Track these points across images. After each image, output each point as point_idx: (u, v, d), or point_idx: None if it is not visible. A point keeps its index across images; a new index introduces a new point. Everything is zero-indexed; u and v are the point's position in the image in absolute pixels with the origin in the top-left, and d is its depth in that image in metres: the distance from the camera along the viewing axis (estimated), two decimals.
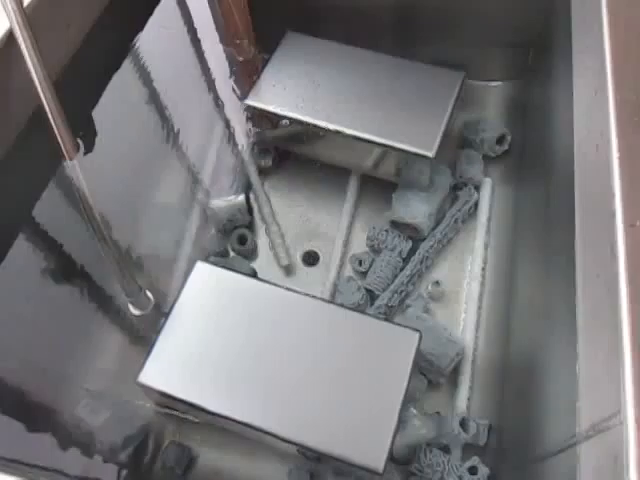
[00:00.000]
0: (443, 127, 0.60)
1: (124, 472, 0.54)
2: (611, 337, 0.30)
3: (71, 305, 0.58)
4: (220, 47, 0.75)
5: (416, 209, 0.62)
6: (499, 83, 0.75)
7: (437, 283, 0.63)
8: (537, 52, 0.69)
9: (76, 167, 0.46)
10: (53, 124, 0.46)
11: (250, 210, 0.67)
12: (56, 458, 0.48)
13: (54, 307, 0.57)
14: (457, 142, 0.70)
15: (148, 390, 0.50)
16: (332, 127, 0.62)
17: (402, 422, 0.52)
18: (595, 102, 0.41)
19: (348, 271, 0.65)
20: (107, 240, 0.49)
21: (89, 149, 0.59)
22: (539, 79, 0.66)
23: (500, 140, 0.68)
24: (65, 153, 0.47)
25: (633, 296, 0.30)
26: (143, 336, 0.56)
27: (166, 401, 0.52)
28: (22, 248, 0.55)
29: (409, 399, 0.55)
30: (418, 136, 0.59)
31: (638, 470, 0.26)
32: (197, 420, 0.54)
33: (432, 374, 0.57)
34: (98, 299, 0.59)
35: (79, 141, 0.54)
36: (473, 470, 0.51)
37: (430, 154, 0.58)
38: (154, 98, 0.71)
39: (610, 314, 0.31)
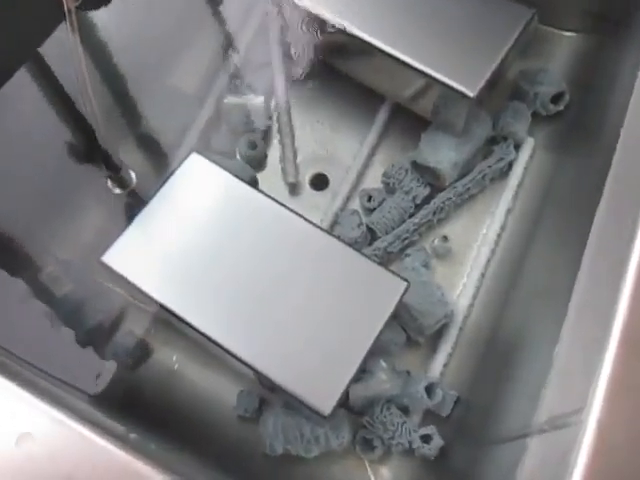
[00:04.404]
0: (493, 67, 0.52)
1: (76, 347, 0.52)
2: (597, 331, 0.26)
3: (55, 162, 0.55)
4: None
5: (443, 154, 0.56)
6: (572, 34, 0.65)
7: (445, 238, 0.57)
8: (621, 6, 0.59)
9: (72, 15, 0.41)
10: None
11: (267, 115, 0.62)
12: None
13: (38, 160, 0.54)
14: (507, 91, 0.62)
15: (110, 272, 0.47)
16: (374, 43, 0.55)
17: (368, 372, 0.49)
18: None
19: (355, 205, 0.60)
20: (90, 97, 0.44)
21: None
22: (616, 40, 0.57)
23: (556, 98, 0.60)
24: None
25: (634, 296, 0.26)
26: (120, 217, 0.54)
27: (129, 288, 0.49)
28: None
29: (383, 351, 0.51)
30: (463, 71, 0.52)
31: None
32: (156, 314, 0.52)
33: (413, 331, 0.53)
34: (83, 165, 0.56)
35: None
36: (426, 438, 0.48)
37: (471, 93, 0.51)
38: None
39: (604, 307, 0.27)
